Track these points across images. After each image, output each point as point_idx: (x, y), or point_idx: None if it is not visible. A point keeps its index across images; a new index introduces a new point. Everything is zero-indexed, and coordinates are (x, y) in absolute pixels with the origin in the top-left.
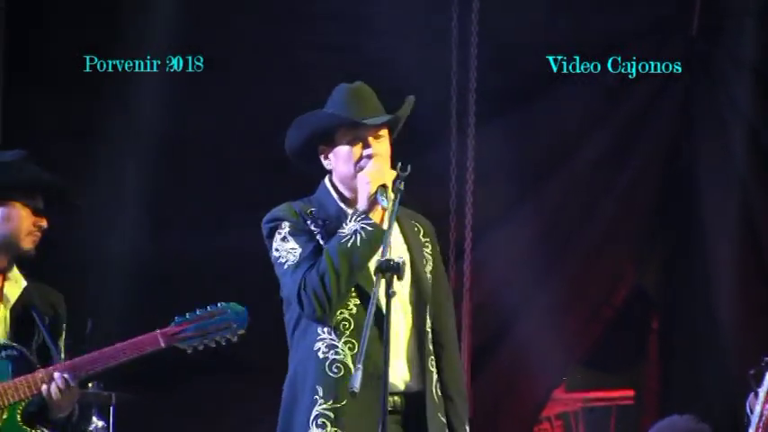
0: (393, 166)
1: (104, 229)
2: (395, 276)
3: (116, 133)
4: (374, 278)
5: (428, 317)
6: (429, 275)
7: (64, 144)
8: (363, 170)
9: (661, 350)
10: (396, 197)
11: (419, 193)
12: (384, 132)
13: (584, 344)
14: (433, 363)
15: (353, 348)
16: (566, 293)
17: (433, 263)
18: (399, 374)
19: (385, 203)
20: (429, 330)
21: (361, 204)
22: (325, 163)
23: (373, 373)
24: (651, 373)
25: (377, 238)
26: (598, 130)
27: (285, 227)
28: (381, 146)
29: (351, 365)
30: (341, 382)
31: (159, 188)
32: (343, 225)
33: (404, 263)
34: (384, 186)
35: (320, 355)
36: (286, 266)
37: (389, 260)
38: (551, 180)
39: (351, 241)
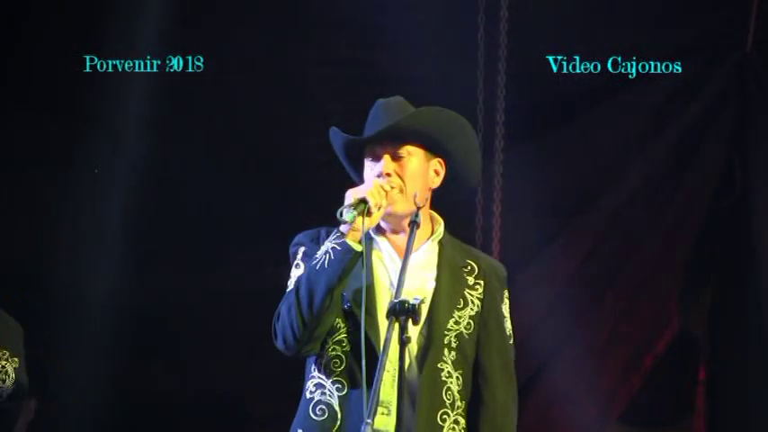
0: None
1: (84, 266)
2: (410, 320)
3: (97, 157)
4: (386, 322)
5: (447, 363)
6: (468, 320)
7: (41, 168)
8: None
9: (709, 404)
10: (411, 230)
11: None
12: (406, 152)
13: (622, 397)
14: (447, 417)
15: (342, 390)
16: (602, 340)
17: (482, 307)
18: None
19: (346, 218)
20: (446, 379)
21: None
22: None
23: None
24: (698, 429)
25: (344, 258)
26: (641, 156)
27: (300, 252)
28: (401, 166)
29: (337, 409)
30: (323, 427)
31: (144, 220)
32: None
33: (420, 304)
34: (363, 201)
35: (307, 394)
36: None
37: (404, 302)
38: (588, 213)
39: (319, 264)
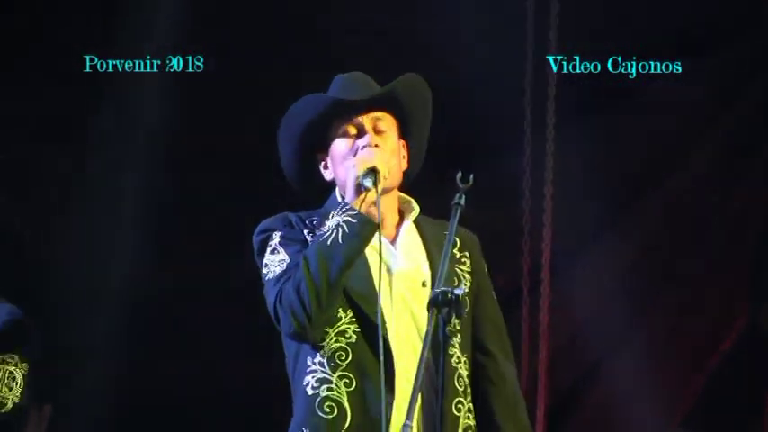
0: (450, 176)
1: (99, 254)
2: (453, 314)
3: (112, 140)
4: (427, 314)
5: (455, 347)
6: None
7: (49, 149)
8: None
9: None
10: (455, 212)
11: (485, 210)
12: (386, 126)
13: (685, 399)
14: (461, 406)
15: (351, 385)
16: (663, 336)
17: (472, 280)
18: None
19: (369, 184)
20: (456, 365)
21: (348, 195)
22: (325, 174)
23: (376, 421)
24: None
25: (363, 231)
26: (705, 138)
27: (276, 237)
28: (383, 141)
29: (346, 405)
30: (333, 425)
31: (164, 206)
32: (325, 222)
33: (465, 294)
34: (374, 171)
35: (309, 390)
36: (269, 279)
37: (445, 292)
38: (648, 197)
39: (331, 238)
